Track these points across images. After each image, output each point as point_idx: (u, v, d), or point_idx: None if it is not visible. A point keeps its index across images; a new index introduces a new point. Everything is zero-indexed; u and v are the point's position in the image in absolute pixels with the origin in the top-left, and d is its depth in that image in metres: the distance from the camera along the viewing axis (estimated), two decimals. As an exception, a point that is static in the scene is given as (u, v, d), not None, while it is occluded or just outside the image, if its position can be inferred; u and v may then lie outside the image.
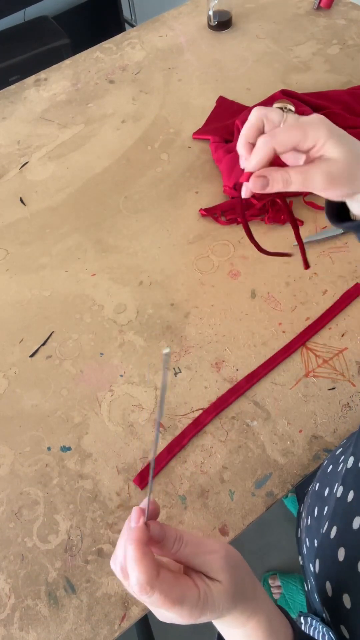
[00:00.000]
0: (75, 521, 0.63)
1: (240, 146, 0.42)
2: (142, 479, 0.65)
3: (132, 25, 2.35)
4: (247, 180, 0.41)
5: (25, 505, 0.64)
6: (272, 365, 0.71)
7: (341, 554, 0.40)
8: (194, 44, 1.21)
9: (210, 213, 0.88)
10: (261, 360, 0.72)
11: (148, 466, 0.65)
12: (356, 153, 0.39)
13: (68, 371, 0.75)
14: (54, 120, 1.09)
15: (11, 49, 1.87)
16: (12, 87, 1.18)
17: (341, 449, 0.55)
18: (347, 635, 0.37)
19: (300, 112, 0.96)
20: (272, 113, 0.41)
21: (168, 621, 0.32)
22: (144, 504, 0.34)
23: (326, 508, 0.47)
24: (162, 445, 0.67)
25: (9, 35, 1.93)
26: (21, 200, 0.96)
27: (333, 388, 0.69)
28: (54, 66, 1.22)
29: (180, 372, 0.73)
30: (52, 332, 0.79)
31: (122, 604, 0.57)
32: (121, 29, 2.30)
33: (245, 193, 0.44)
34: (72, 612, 0.57)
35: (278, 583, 1.26)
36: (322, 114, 1.00)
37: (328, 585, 0.41)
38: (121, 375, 0.73)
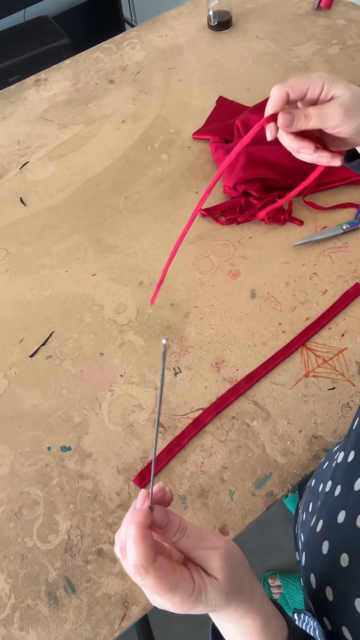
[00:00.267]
0: (75, 521, 0.63)
1: (269, 111, 0.48)
2: (142, 479, 0.65)
3: (132, 25, 2.35)
4: (269, 121, 0.47)
5: (25, 505, 0.64)
6: (272, 365, 0.71)
7: (325, 547, 0.40)
8: (194, 44, 1.21)
9: (210, 213, 0.88)
10: (261, 360, 0.72)
11: (148, 466, 0.65)
12: (358, 90, 0.45)
13: (68, 371, 0.75)
14: (54, 120, 1.09)
15: (11, 49, 1.87)
16: (12, 87, 1.18)
17: (338, 445, 0.55)
18: (329, 626, 0.38)
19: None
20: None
21: (160, 607, 0.32)
22: (155, 488, 0.34)
23: (318, 503, 0.48)
24: (162, 445, 0.67)
25: (9, 35, 1.93)
26: (21, 200, 0.97)
27: (333, 388, 0.69)
28: (54, 66, 1.22)
29: (180, 372, 0.73)
30: (52, 332, 0.79)
31: (122, 604, 0.57)
32: (121, 29, 2.30)
33: (269, 135, 0.49)
34: (72, 612, 0.57)
35: (278, 583, 1.26)
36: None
37: (312, 577, 0.41)
38: (121, 375, 0.73)
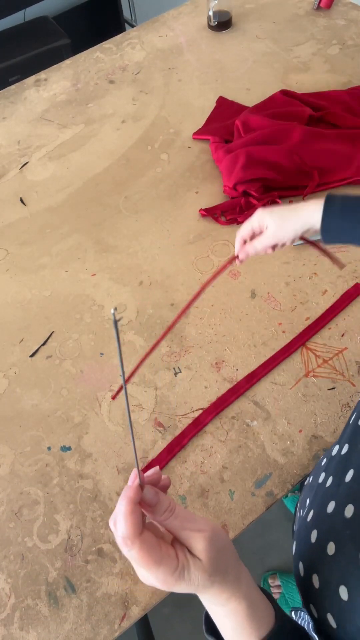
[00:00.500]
0: (76, 521, 0.63)
1: (237, 241, 0.67)
2: (142, 479, 0.64)
3: (132, 26, 2.35)
4: (233, 260, 0.66)
5: (26, 505, 0.64)
6: (272, 365, 0.71)
7: (314, 535, 0.42)
8: (194, 44, 1.21)
9: (210, 213, 0.88)
10: (261, 360, 0.72)
11: (148, 466, 0.65)
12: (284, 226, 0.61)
13: (68, 371, 0.75)
14: (54, 120, 1.09)
15: (11, 49, 1.87)
16: (12, 87, 1.18)
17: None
18: (315, 614, 0.39)
19: (300, 112, 0.96)
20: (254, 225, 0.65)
21: (147, 582, 0.34)
22: (149, 472, 0.37)
23: (312, 496, 0.48)
24: (162, 445, 0.67)
25: (9, 35, 1.93)
26: (21, 200, 0.97)
27: (333, 388, 0.69)
28: (54, 66, 1.22)
29: (180, 372, 0.73)
30: (52, 332, 0.79)
31: (122, 604, 0.57)
32: (121, 29, 2.30)
33: (238, 263, 0.68)
34: (72, 612, 0.57)
35: (278, 583, 1.26)
36: (321, 114, 1.01)
37: (301, 565, 0.42)
38: (121, 375, 0.73)
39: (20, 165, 1.02)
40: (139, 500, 0.34)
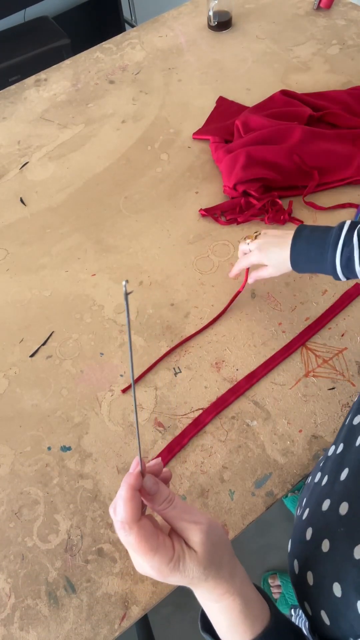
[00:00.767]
0: (76, 521, 0.63)
1: (234, 271, 0.76)
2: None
3: (132, 26, 2.35)
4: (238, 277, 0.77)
5: (26, 505, 0.65)
6: (272, 365, 0.71)
7: (309, 533, 0.42)
8: (194, 44, 1.21)
9: (210, 213, 0.88)
10: (261, 360, 0.72)
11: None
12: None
13: (68, 371, 0.75)
14: (54, 120, 1.09)
15: (11, 49, 1.87)
16: (12, 87, 1.18)
17: None
18: (309, 611, 0.40)
19: (300, 112, 0.96)
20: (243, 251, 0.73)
21: (143, 572, 0.35)
22: (151, 463, 0.37)
23: (308, 495, 0.49)
24: (162, 445, 0.67)
25: (9, 35, 1.93)
26: (21, 200, 0.97)
27: (333, 388, 0.69)
28: (54, 66, 1.22)
29: (180, 372, 0.73)
30: (52, 332, 0.79)
31: (122, 604, 0.57)
32: (121, 29, 2.30)
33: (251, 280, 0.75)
34: (72, 612, 0.57)
35: (278, 583, 1.26)
36: (321, 114, 1.01)
37: (295, 563, 0.43)
38: (121, 375, 0.73)
39: (20, 165, 1.02)
40: (139, 487, 0.35)
